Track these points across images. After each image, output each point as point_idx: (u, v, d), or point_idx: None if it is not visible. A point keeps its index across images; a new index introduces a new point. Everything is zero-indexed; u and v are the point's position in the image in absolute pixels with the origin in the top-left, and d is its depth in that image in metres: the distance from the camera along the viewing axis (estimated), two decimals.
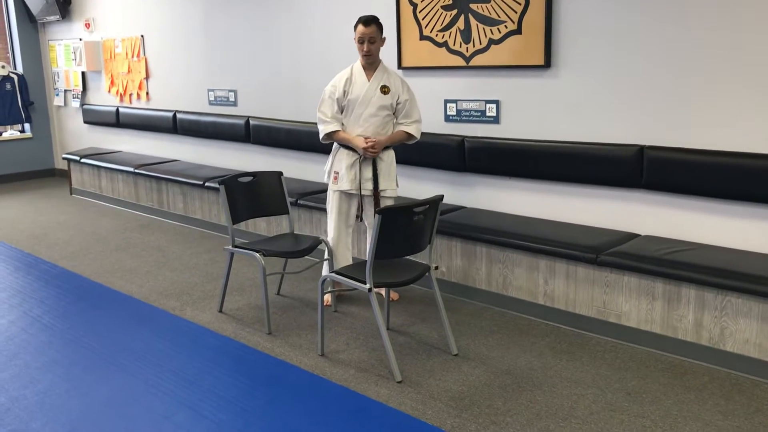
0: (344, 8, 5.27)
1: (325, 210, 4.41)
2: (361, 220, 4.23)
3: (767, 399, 3.06)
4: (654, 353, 3.53)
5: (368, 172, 4.10)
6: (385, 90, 4.07)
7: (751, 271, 3.26)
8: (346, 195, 4.17)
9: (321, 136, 4.14)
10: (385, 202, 4.16)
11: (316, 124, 4.19)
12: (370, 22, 3.99)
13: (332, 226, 4.23)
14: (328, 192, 4.25)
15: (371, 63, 4.07)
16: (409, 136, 4.14)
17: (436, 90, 4.83)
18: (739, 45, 3.51)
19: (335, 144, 4.21)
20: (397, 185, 4.27)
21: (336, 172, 4.16)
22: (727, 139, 3.61)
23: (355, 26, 4.02)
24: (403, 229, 3.31)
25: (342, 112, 4.10)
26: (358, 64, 4.11)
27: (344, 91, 4.06)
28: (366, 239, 4.50)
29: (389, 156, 4.18)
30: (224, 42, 6.35)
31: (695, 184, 3.69)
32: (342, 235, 4.23)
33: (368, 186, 4.12)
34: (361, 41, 3.99)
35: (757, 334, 3.22)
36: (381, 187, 4.13)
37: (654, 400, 3.07)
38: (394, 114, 4.13)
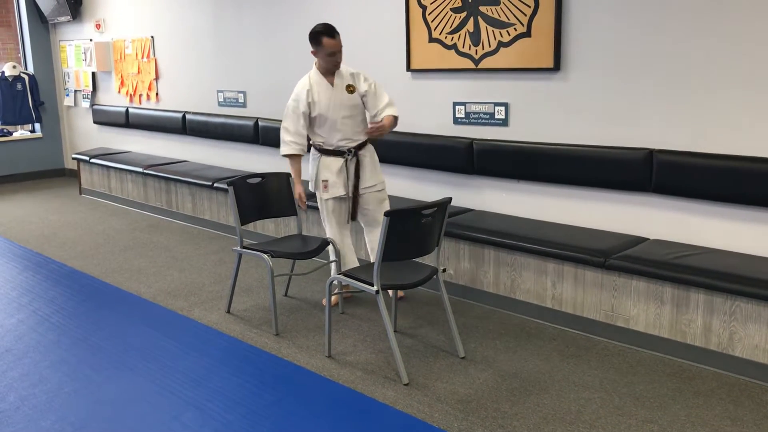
0: (354, 10, 5.28)
1: None
2: (354, 219, 4.23)
3: None
4: (662, 358, 3.52)
5: (353, 172, 4.09)
6: (350, 89, 4.01)
7: (760, 276, 3.24)
8: (339, 199, 4.16)
9: (281, 153, 4.10)
10: (380, 197, 4.17)
11: (281, 139, 4.14)
12: (335, 32, 3.92)
13: (333, 232, 4.21)
14: (318, 200, 4.22)
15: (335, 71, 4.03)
16: (395, 119, 4.02)
17: (444, 92, 4.83)
18: (749, 48, 3.49)
19: (313, 150, 4.16)
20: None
21: (324, 181, 4.11)
22: (737, 143, 3.59)
23: (318, 39, 3.89)
24: (411, 231, 3.31)
25: (311, 125, 4.06)
26: (315, 73, 4.02)
27: (308, 104, 3.98)
28: (363, 238, 4.48)
29: (370, 150, 4.17)
30: (234, 43, 6.38)
31: (704, 188, 3.68)
32: (345, 239, 4.23)
33: (352, 185, 4.13)
34: (332, 54, 3.91)
35: (766, 340, 3.21)
36: (369, 183, 4.11)
37: (662, 405, 3.06)
38: (365, 108, 4.09)
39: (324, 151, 4.11)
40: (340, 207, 4.18)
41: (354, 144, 4.07)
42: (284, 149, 4.07)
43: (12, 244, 5.90)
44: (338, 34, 3.94)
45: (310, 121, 4.06)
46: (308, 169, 4.23)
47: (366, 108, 4.08)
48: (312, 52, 3.98)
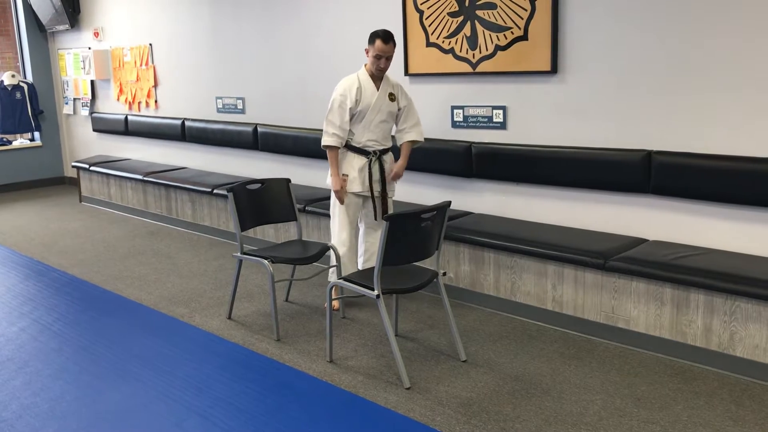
0: (352, 16, 5.29)
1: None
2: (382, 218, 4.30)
3: None
4: (663, 359, 3.52)
5: (377, 174, 4.20)
6: (392, 97, 4.18)
7: (760, 275, 3.24)
8: (355, 196, 4.21)
9: (323, 144, 4.17)
10: (389, 204, 4.32)
11: (323, 131, 4.20)
12: (390, 39, 4.02)
13: (341, 228, 4.24)
14: (332, 195, 4.28)
15: (382, 76, 4.16)
16: (414, 143, 4.28)
17: (442, 96, 4.84)
18: (746, 49, 3.50)
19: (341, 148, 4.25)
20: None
21: (345, 175, 4.19)
22: (735, 143, 3.60)
23: (372, 40, 4.02)
24: (411, 235, 3.32)
25: (350, 120, 4.15)
26: (364, 73, 4.15)
27: (356, 100, 4.10)
28: (359, 242, 4.52)
29: (390, 157, 4.33)
30: (232, 50, 6.39)
31: (703, 189, 3.69)
32: (352, 238, 4.26)
33: (377, 188, 4.23)
34: (378, 57, 4.03)
35: (766, 339, 3.21)
36: (387, 189, 4.27)
37: (663, 406, 3.06)
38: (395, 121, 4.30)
39: (350, 148, 4.20)
40: (356, 203, 4.24)
41: (380, 147, 4.21)
42: (327, 140, 4.14)
43: (13, 253, 5.91)
44: (394, 43, 4.05)
45: (351, 117, 4.17)
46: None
47: (395, 121, 4.29)
48: (365, 50, 4.11)
